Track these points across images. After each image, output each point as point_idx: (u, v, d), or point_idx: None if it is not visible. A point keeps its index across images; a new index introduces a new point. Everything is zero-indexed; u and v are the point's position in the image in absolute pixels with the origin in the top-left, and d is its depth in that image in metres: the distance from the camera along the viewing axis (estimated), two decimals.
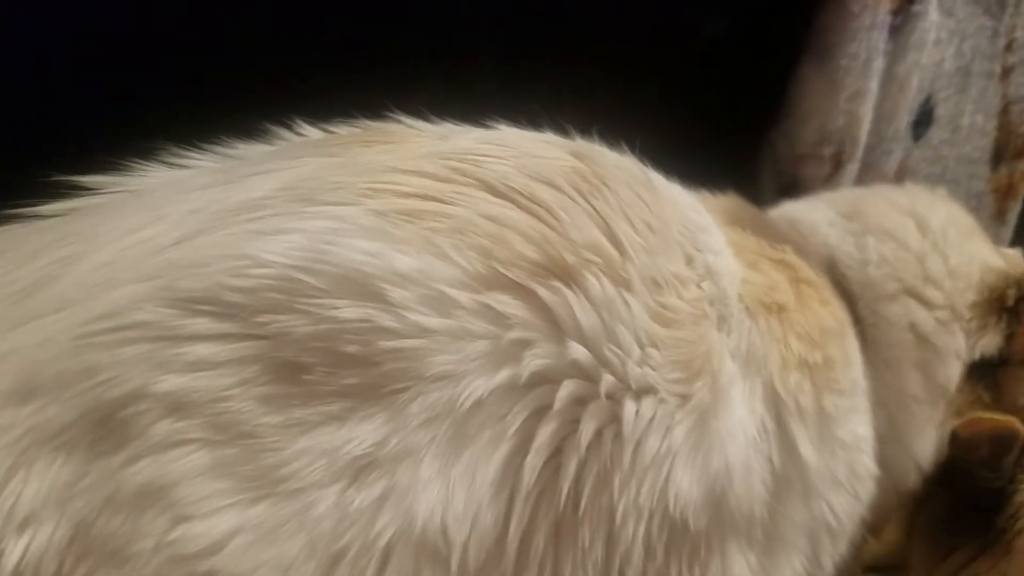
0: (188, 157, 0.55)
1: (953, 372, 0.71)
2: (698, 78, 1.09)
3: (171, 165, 0.55)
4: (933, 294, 0.71)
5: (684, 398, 0.56)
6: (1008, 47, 1.11)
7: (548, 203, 0.54)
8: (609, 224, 0.55)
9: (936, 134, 1.11)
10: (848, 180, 1.07)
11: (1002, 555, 0.68)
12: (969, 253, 0.74)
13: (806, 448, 0.63)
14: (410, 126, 0.60)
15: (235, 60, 0.84)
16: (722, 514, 0.58)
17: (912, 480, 0.73)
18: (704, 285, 0.61)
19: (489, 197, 0.53)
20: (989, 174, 1.17)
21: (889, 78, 1.04)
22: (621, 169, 0.61)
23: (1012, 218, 1.21)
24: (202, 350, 0.43)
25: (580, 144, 0.61)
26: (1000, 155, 1.17)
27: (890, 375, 0.71)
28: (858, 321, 0.72)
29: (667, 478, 0.55)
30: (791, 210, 0.81)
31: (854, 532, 0.69)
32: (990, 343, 0.71)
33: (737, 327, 0.62)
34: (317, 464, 0.44)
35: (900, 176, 1.11)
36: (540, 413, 0.51)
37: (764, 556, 0.62)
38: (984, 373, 0.72)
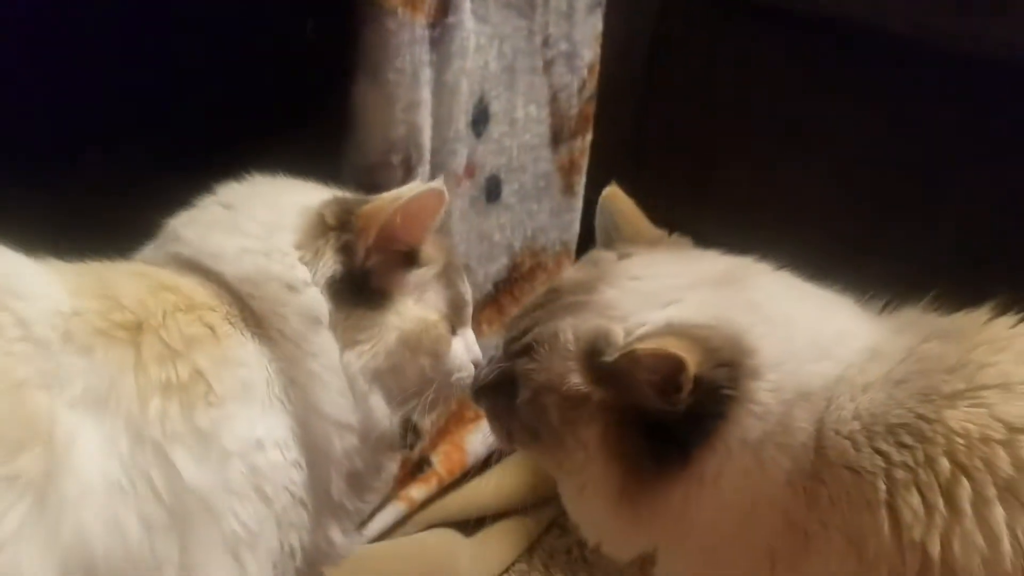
0: None
1: (312, 300, 0.73)
2: (268, 94, 1.07)
3: None
4: (254, 244, 0.75)
5: (12, 479, 0.53)
6: (545, 43, 1.16)
7: None
8: None
9: (496, 129, 1.15)
10: (422, 182, 1.08)
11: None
12: (282, 205, 0.78)
13: (190, 472, 0.62)
14: None
15: None
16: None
17: (340, 444, 0.74)
18: (16, 347, 0.57)
19: None
20: (551, 155, 1.23)
21: (439, 86, 1.05)
22: None
23: (580, 189, 1.28)
24: None
25: None
26: (558, 138, 1.23)
27: (287, 345, 0.72)
28: (244, 306, 0.73)
29: (10, 573, 0.52)
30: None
31: (285, 528, 0.70)
32: (329, 262, 0.75)
33: (70, 374, 0.59)
34: None
35: (471, 171, 1.14)
36: None
37: None
38: (356, 291, 0.75)
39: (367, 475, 0.82)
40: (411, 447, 1.19)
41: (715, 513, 0.64)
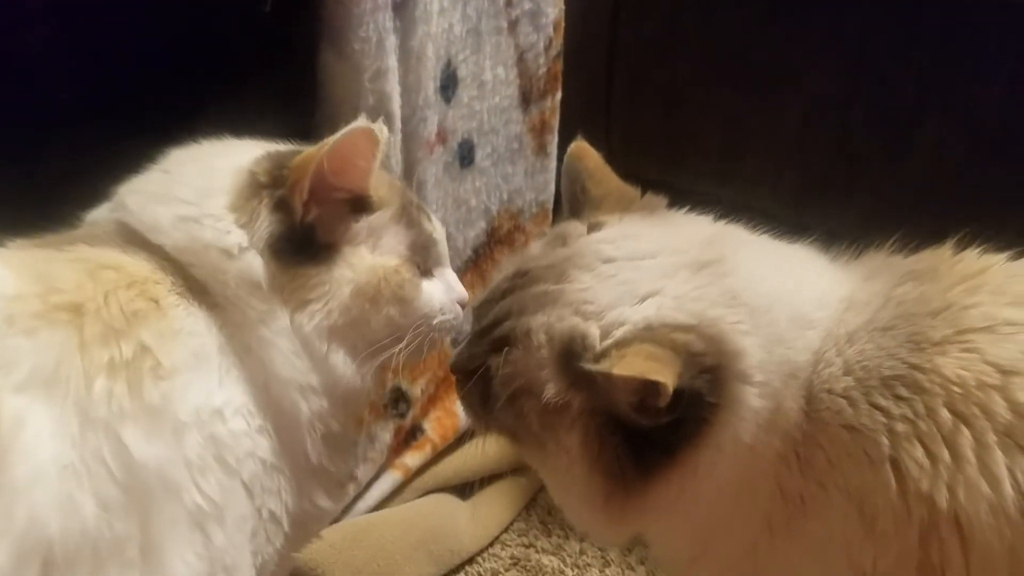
0: None
1: (248, 265, 0.68)
2: (234, 68, 1.01)
3: None
4: (187, 211, 0.69)
5: None
6: (509, 2, 1.11)
7: None
8: None
9: (465, 93, 1.11)
10: (393, 152, 1.04)
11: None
12: (214, 168, 0.72)
13: (141, 449, 0.59)
14: None
15: None
16: (56, 560, 0.55)
17: (307, 407, 0.70)
18: None
19: None
20: (522, 117, 1.19)
21: (405, 53, 1.01)
22: None
23: (553, 150, 1.24)
24: None
25: None
26: (527, 98, 1.19)
27: (234, 311, 0.67)
28: (188, 276, 0.68)
29: None
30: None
31: (259, 495, 0.67)
32: (265, 222, 0.69)
33: (16, 357, 0.57)
34: None
35: (443, 137, 1.10)
36: None
37: (148, 568, 0.59)
38: (302, 248, 0.69)
39: (346, 437, 0.78)
40: (402, 415, 1.17)
41: (704, 501, 0.61)
